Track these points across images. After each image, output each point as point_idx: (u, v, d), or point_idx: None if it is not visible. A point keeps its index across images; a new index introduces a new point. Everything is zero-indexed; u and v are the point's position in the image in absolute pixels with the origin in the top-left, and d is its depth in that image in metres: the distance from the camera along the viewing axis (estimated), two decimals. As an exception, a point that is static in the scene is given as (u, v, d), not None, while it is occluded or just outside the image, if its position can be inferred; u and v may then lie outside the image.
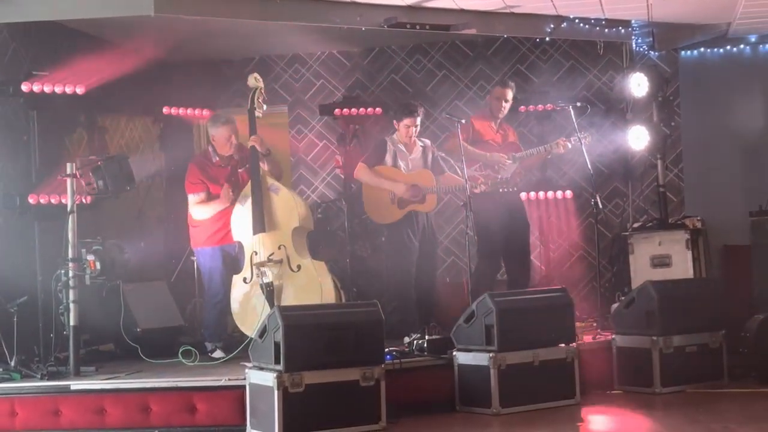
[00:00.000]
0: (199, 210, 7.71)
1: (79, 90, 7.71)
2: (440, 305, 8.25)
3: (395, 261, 8.18)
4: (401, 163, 8.16)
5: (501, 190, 8.03)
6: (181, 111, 9.67)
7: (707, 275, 8.67)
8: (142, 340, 7.71)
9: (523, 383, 6.69)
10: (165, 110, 9.57)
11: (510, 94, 8.52)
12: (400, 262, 8.12)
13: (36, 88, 7.50)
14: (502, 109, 8.46)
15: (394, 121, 8.22)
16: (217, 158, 7.82)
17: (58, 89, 7.60)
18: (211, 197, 7.69)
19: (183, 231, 8.22)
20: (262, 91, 7.67)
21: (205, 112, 9.59)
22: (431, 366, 6.96)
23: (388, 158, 8.17)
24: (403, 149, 8.17)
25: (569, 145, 8.30)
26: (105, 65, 8.06)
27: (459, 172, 7.94)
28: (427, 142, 8.38)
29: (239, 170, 7.85)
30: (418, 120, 8.14)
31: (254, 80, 7.67)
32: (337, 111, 9.66)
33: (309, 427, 6.02)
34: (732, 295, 8.06)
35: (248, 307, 7.43)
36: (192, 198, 7.71)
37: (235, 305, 7.52)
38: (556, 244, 9.42)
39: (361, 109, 9.69)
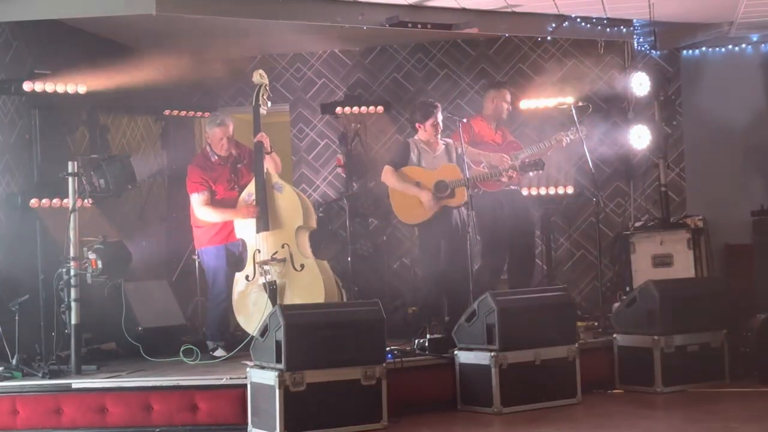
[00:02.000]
0: (208, 213, 7.62)
1: (81, 89, 7.72)
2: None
3: (429, 261, 7.99)
4: (425, 163, 7.99)
5: (531, 173, 8.07)
6: (182, 113, 9.68)
7: (709, 274, 8.65)
8: (144, 338, 7.72)
9: (524, 382, 6.69)
10: (166, 113, 9.57)
11: (509, 96, 8.55)
12: (433, 262, 7.93)
13: (38, 86, 7.52)
14: (505, 111, 8.46)
15: (417, 124, 8.03)
16: (216, 157, 7.80)
17: (60, 88, 7.61)
18: (214, 197, 7.65)
19: (185, 230, 8.22)
20: (267, 88, 7.63)
21: (206, 114, 9.57)
22: (433, 365, 6.95)
23: (413, 158, 7.98)
24: (426, 148, 7.99)
25: (567, 140, 8.27)
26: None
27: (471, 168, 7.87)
28: (450, 140, 8.15)
29: (238, 166, 7.84)
30: (440, 116, 8.01)
31: (259, 77, 7.61)
32: (338, 110, 9.67)
33: (310, 426, 6.02)
34: (734, 295, 8.04)
35: (248, 301, 7.43)
36: (196, 197, 7.63)
37: (234, 296, 7.51)
38: (558, 243, 9.41)
39: (363, 108, 9.70)
